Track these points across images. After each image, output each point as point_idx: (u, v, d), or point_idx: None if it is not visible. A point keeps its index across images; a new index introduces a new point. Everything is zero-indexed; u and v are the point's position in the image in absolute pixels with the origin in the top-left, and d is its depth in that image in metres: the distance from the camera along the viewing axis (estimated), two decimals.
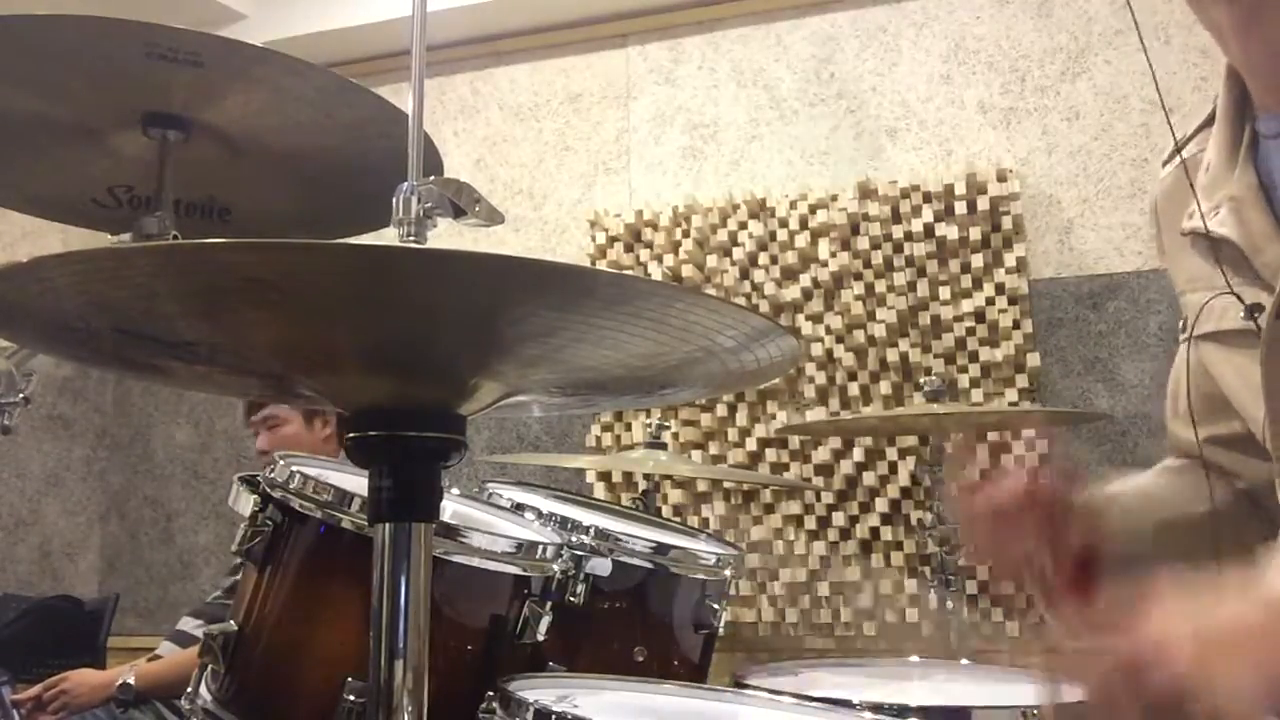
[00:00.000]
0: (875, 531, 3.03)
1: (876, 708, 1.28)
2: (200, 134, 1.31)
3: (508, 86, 3.71)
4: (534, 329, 0.75)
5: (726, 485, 3.17)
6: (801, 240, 3.17)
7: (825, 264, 3.14)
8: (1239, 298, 1.03)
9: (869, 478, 3.05)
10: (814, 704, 1.25)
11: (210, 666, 1.33)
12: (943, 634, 2.47)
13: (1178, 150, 1.16)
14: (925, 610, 2.96)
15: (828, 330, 3.12)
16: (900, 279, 3.08)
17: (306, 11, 3.67)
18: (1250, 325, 1.03)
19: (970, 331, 3.02)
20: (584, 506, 1.85)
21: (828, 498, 3.08)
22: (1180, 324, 1.20)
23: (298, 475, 1.34)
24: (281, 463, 1.38)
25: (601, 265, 3.32)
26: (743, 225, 3.24)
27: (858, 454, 3.05)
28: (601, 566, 1.47)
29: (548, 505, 1.61)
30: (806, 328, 3.14)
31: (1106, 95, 3.09)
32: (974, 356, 3.01)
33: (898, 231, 3.10)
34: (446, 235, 0.93)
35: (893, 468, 3.04)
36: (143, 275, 0.70)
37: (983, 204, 3.03)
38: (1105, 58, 3.11)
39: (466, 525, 1.34)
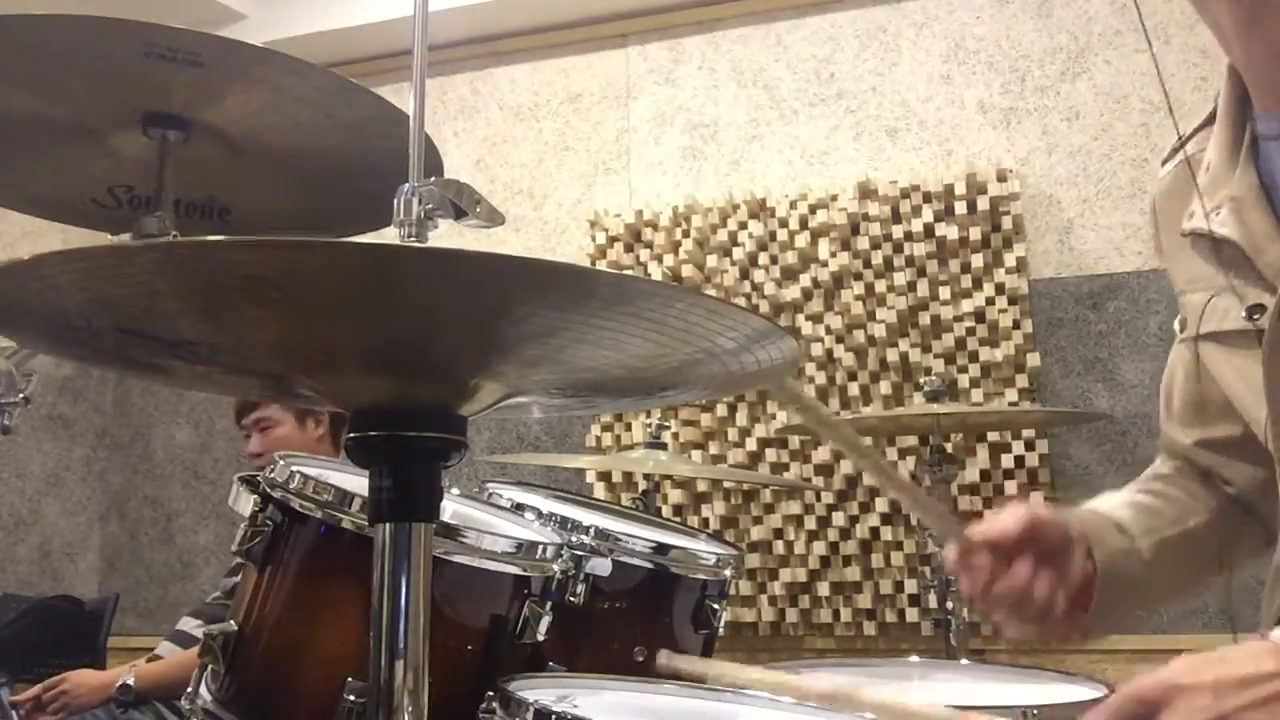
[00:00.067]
0: (875, 531, 3.03)
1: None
2: (200, 134, 1.31)
3: (508, 86, 3.71)
4: (534, 329, 0.75)
5: (726, 485, 3.17)
6: (801, 240, 3.17)
7: (825, 264, 3.14)
8: (1240, 297, 1.03)
9: (869, 478, 3.05)
10: (814, 704, 1.25)
11: (210, 666, 1.33)
12: (942, 634, 2.47)
13: (1178, 149, 1.16)
14: (925, 610, 2.96)
15: (828, 330, 3.12)
16: (900, 279, 3.08)
17: (306, 11, 3.67)
18: (1252, 326, 1.03)
19: (970, 331, 3.02)
20: (584, 506, 1.85)
21: (828, 498, 3.08)
22: (1177, 324, 1.19)
23: (298, 475, 1.34)
24: (281, 463, 1.39)
25: (601, 265, 3.32)
26: (743, 225, 3.25)
27: (854, 456, 3.05)
28: (601, 566, 1.47)
29: (548, 505, 1.61)
30: (806, 328, 3.14)
31: (1106, 95, 3.09)
32: (974, 356, 3.01)
33: (898, 231, 3.10)
34: (446, 236, 0.93)
35: (892, 468, 3.03)
36: (144, 273, 0.70)
37: (983, 204, 3.03)
38: (1105, 58, 3.11)
39: (466, 525, 1.34)
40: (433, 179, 0.94)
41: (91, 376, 3.92)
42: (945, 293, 3.04)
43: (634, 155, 3.53)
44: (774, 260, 3.20)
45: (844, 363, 3.10)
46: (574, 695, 1.17)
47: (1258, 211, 1.03)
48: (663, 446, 2.46)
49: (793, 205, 3.21)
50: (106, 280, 0.71)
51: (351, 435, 0.85)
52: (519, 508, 1.59)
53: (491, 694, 1.11)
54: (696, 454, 3.17)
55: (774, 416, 3.14)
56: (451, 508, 1.48)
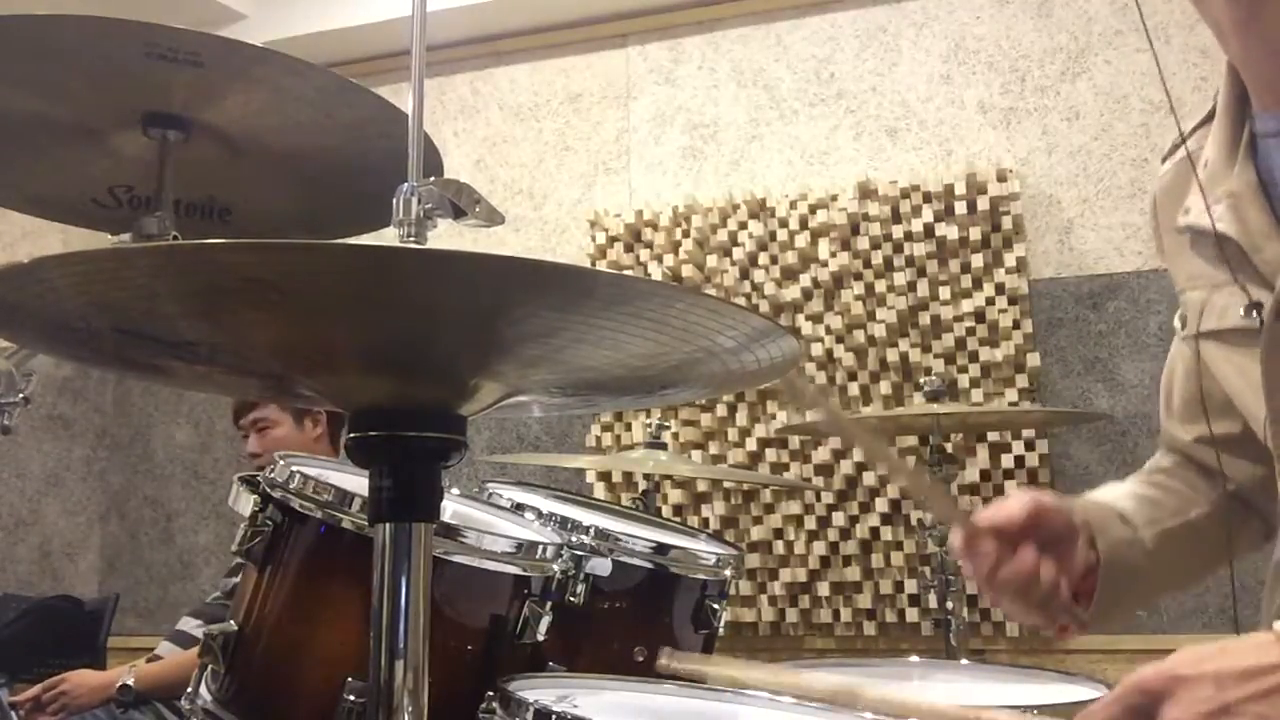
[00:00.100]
0: (875, 531, 3.03)
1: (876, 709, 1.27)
2: (200, 134, 1.31)
3: (508, 86, 3.71)
4: (534, 329, 0.75)
5: (726, 485, 3.17)
6: (801, 240, 3.17)
7: (825, 264, 3.14)
8: (1244, 289, 1.03)
9: (869, 478, 3.05)
10: (814, 704, 1.25)
11: (210, 666, 1.33)
12: (942, 634, 2.47)
13: (1178, 145, 1.16)
14: (925, 610, 2.96)
15: (828, 330, 3.12)
16: (900, 279, 3.08)
17: (306, 11, 3.67)
18: (1251, 323, 1.03)
19: (970, 331, 3.02)
20: (584, 506, 1.85)
21: (828, 498, 3.08)
22: (1178, 321, 1.19)
23: (298, 475, 1.34)
24: (281, 463, 1.38)
25: (601, 265, 3.32)
26: (743, 225, 3.25)
27: (858, 454, 3.05)
28: (601, 566, 1.47)
29: (548, 505, 1.61)
30: (806, 328, 3.14)
31: (1106, 95, 3.09)
32: (974, 356, 3.01)
33: (898, 231, 3.10)
34: (446, 235, 0.93)
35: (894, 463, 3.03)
36: (143, 275, 0.70)
37: (983, 204, 3.03)
38: (1105, 58, 3.11)
39: (466, 525, 1.34)
40: (432, 179, 0.94)
41: (91, 376, 3.92)
42: (945, 293, 3.04)
43: (634, 155, 3.53)
44: (774, 260, 3.20)
45: (844, 363, 3.10)
46: (574, 695, 1.17)
47: (1256, 208, 1.03)
48: (663, 446, 2.46)
49: (793, 205, 3.21)
50: (106, 283, 0.71)
51: (351, 435, 0.85)
52: (519, 508, 1.60)
53: (491, 694, 1.11)
54: (696, 454, 3.17)
55: (774, 416, 3.14)
56: (451, 508, 1.48)
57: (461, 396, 0.85)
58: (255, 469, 2.42)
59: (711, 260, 3.25)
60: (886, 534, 3.03)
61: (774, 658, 2.73)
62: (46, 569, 3.77)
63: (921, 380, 2.58)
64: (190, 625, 2.48)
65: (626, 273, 3.00)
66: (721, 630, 1.65)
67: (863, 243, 3.12)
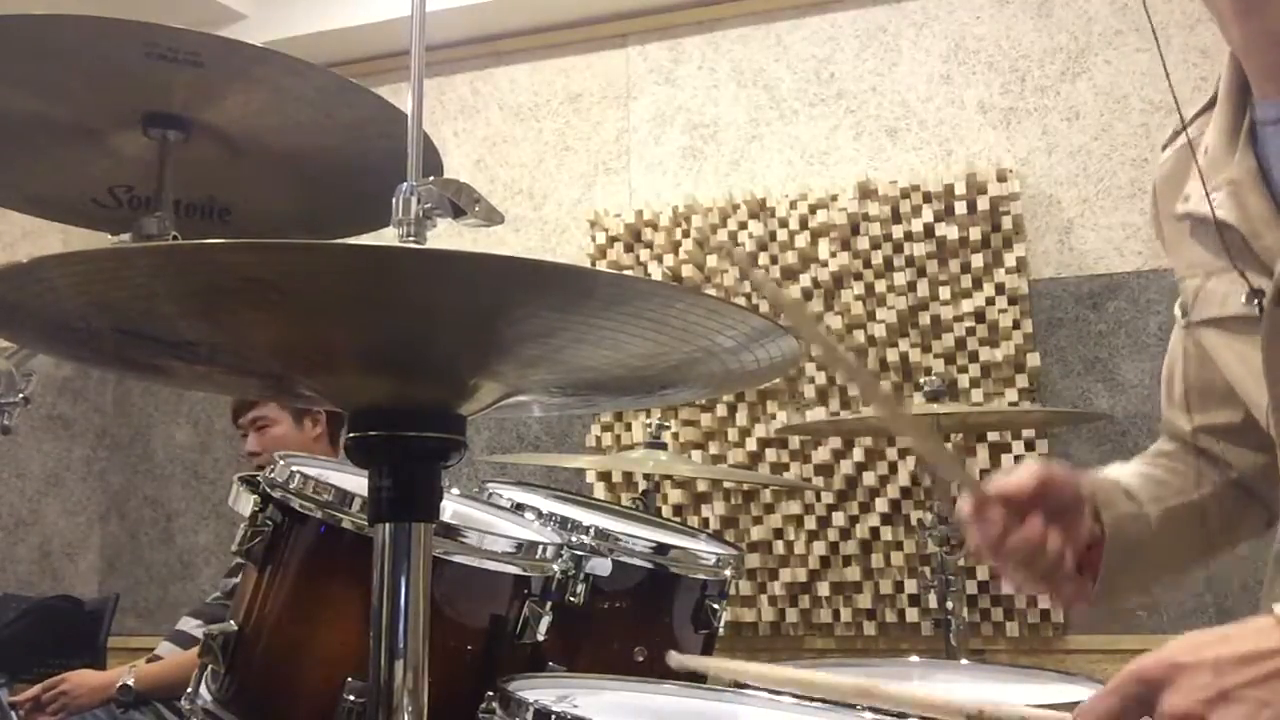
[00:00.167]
0: (875, 531, 3.03)
1: (877, 708, 1.27)
2: (200, 134, 1.31)
3: (508, 86, 3.71)
4: (534, 329, 0.75)
5: (726, 485, 3.17)
6: (801, 240, 3.17)
7: (825, 264, 3.14)
8: (1244, 276, 1.02)
9: (869, 478, 3.05)
10: (814, 704, 1.25)
11: (210, 666, 1.33)
12: (942, 634, 2.47)
13: (1179, 133, 1.16)
14: (925, 610, 2.96)
15: (828, 330, 3.12)
16: (900, 279, 3.08)
17: (306, 11, 3.67)
18: (1252, 310, 1.02)
19: (970, 331, 3.02)
20: (584, 506, 1.85)
21: (828, 498, 3.08)
22: (1178, 309, 1.19)
23: (298, 475, 1.34)
24: (281, 463, 1.38)
25: (601, 265, 3.32)
26: (743, 225, 3.25)
27: (858, 454, 3.05)
28: (601, 566, 1.47)
29: (548, 505, 1.61)
30: None
31: (1106, 95, 3.09)
32: (974, 356, 3.01)
33: (898, 231, 3.10)
34: (446, 235, 0.93)
35: (893, 468, 3.04)
36: (143, 275, 0.70)
37: (983, 204, 3.03)
38: (1105, 58, 3.11)
39: (466, 525, 1.34)
40: (432, 179, 0.94)
41: (91, 377, 3.92)
42: (945, 293, 3.04)
43: (634, 155, 3.53)
44: (774, 260, 3.20)
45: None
46: (574, 695, 1.17)
47: (1256, 195, 1.03)
48: (663, 446, 2.46)
49: (793, 205, 3.21)
50: (106, 283, 0.71)
51: (351, 435, 0.85)
52: (519, 508, 1.60)
53: (491, 694, 1.11)
54: (696, 454, 3.17)
55: (774, 416, 3.14)
56: (451, 508, 1.48)
57: (461, 396, 0.85)
58: (254, 468, 2.42)
59: (711, 260, 3.25)
60: (886, 534, 3.03)
61: (774, 658, 2.73)
62: (46, 569, 3.77)
63: (921, 380, 2.58)
64: (190, 625, 2.48)
65: (626, 273, 3.00)
66: (721, 630, 1.65)
67: (863, 243, 3.12)
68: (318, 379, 0.89)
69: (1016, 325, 2.99)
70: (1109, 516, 1.14)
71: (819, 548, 3.07)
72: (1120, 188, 3.06)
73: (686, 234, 3.29)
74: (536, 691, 1.11)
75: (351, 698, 1.23)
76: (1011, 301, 3.01)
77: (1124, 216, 3.04)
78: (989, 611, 2.94)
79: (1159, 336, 2.94)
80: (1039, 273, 3.07)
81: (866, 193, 3.14)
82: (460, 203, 0.94)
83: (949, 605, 2.43)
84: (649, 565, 1.56)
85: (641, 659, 1.52)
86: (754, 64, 3.43)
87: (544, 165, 3.62)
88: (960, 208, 3.03)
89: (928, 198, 3.08)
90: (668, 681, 1.27)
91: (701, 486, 3.20)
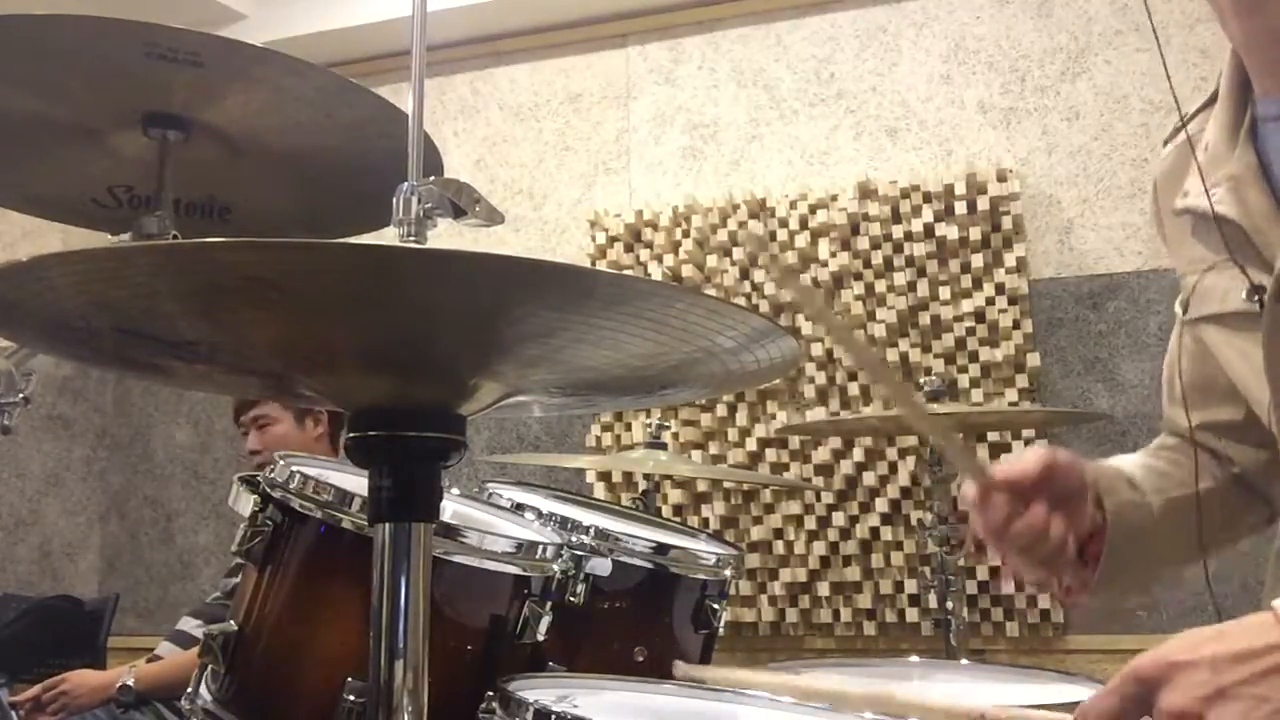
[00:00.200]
0: (875, 531, 3.03)
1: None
2: (200, 134, 1.31)
3: (508, 86, 3.71)
4: (534, 329, 0.75)
5: (726, 485, 3.17)
6: (801, 240, 3.17)
7: (825, 264, 3.14)
8: (1245, 272, 1.02)
9: (869, 478, 3.05)
10: (814, 704, 1.25)
11: (210, 666, 1.33)
12: (942, 634, 2.47)
13: (1180, 128, 1.16)
14: (925, 610, 2.96)
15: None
16: (900, 279, 3.08)
17: (306, 11, 3.67)
18: (1253, 306, 1.02)
19: (970, 331, 3.02)
20: (584, 506, 1.85)
21: (828, 498, 3.08)
22: (1179, 306, 1.19)
23: (298, 475, 1.34)
24: (281, 463, 1.38)
25: (601, 265, 3.32)
26: (743, 225, 3.24)
27: (858, 454, 3.05)
28: (601, 566, 1.47)
29: (548, 505, 1.61)
30: (806, 328, 3.14)
31: (1106, 95, 3.09)
32: (974, 356, 3.01)
33: (898, 231, 3.10)
34: (446, 235, 0.93)
35: (893, 468, 3.04)
36: (143, 275, 0.70)
37: (983, 204, 3.03)
38: (1105, 58, 3.11)
39: (466, 525, 1.34)
40: (432, 178, 0.94)
41: (91, 376, 3.92)
42: (945, 293, 3.04)
43: (634, 155, 3.53)
44: (774, 260, 3.20)
45: (844, 363, 3.10)
46: (574, 695, 1.17)
47: (1256, 191, 1.03)
48: (663, 446, 2.46)
49: (793, 205, 3.21)
50: (105, 282, 0.71)
51: (351, 435, 0.85)
52: (519, 508, 1.59)
53: (491, 694, 1.11)
54: (696, 454, 3.17)
55: (774, 416, 3.14)
56: (451, 508, 1.47)
57: (461, 396, 0.85)
58: (254, 466, 2.42)
59: (711, 260, 3.25)
60: (886, 534, 3.03)
61: (774, 658, 2.73)
62: (46, 569, 3.77)
63: (921, 380, 2.58)
64: (190, 625, 2.48)
65: (626, 273, 3.00)
66: (721, 630, 1.65)
67: (863, 243, 3.12)
68: (318, 379, 0.89)
69: (1016, 325, 2.99)
70: (1111, 504, 1.14)
71: (819, 548, 3.07)
72: (1120, 188, 3.06)
73: (686, 234, 3.29)
74: (536, 691, 1.11)
75: (351, 698, 1.22)
76: (1011, 301, 3.01)
77: (1124, 216, 3.04)
78: (989, 611, 2.94)
79: (1159, 336, 2.94)
80: (1039, 273, 3.07)
81: (866, 193, 3.14)
82: (460, 203, 0.94)
83: (949, 605, 2.43)
84: (649, 565, 1.56)
85: (641, 659, 1.52)
86: (754, 64, 3.43)
87: (544, 165, 3.62)
88: (960, 208, 3.03)
89: (928, 198, 3.08)
90: (668, 681, 1.27)
91: (701, 486, 3.19)
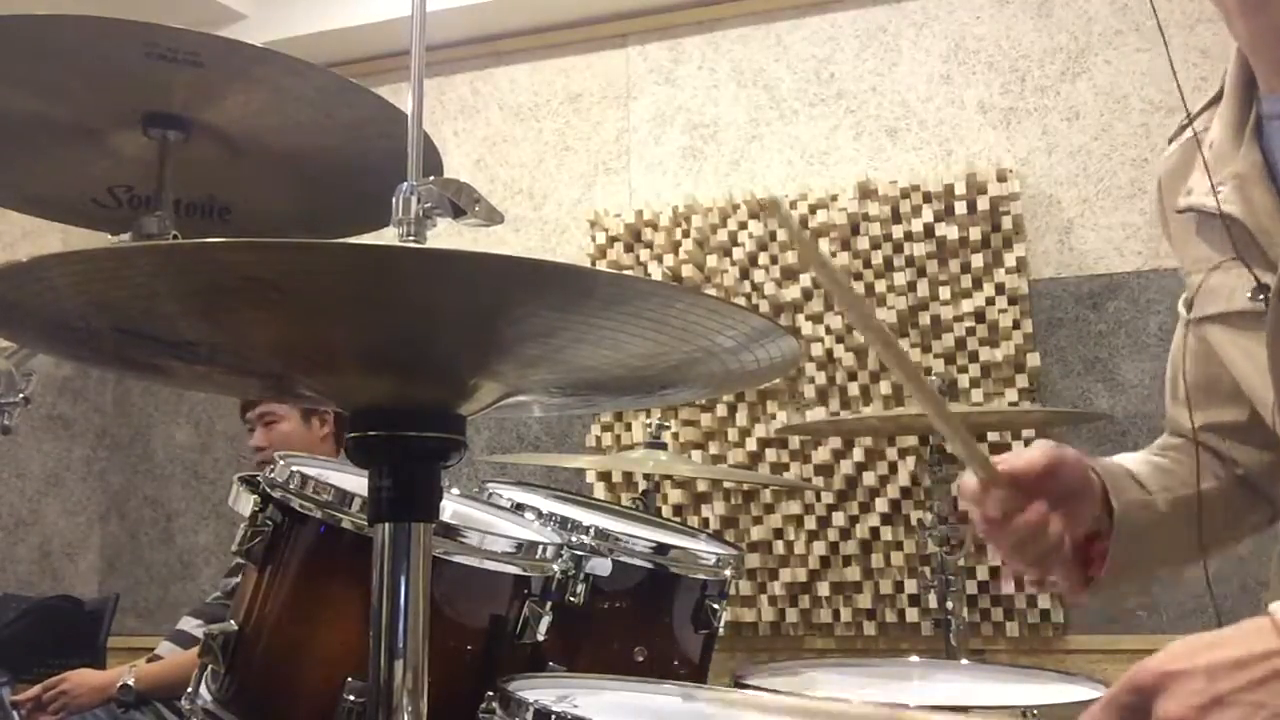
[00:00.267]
0: (875, 531, 3.03)
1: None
2: (200, 134, 1.31)
3: (508, 86, 3.71)
4: (534, 329, 0.75)
5: (726, 485, 3.17)
6: None
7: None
8: (1250, 271, 1.02)
9: (869, 478, 3.05)
10: (813, 704, 1.25)
11: (210, 666, 1.33)
12: (942, 634, 2.47)
13: (1185, 126, 1.15)
14: (925, 610, 2.96)
15: (828, 330, 3.12)
16: (900, 279, 3.08)
17: (306, 11, 3.67)
18: (1258, 305, 1.02)
19: (970, 331, 3.02)
20: (584, 506, 1.85)
21: (828, 498, 3.08)
22: (1183, 305, 1.19)
23: (298, 475, 1.34)
24: (281, 463, 1.38)
25: (601, 265, 3.32)
26: (743, 225, 3.25)
27: (858, 454, 3.05)
28: (601, 566, 1.47)
29: (548, 505, 1.61)
30: (806, 328, 3.14)
31: (1106, 95, 3.09)
32: (974, 356, 3.01)
33: (898, 231, 3.10)
34: (446, 235, 0.93)
35: (893, 468, 3.04)
36: (143, 275, 0.70)
37: (983, 204, 3.03)
38: (1105, 58, 3.11)
39: (466, 525, 1.34)
40: (432, 178, 0.94)
41: (91, 376, 3.92)
42: (945, 293, 3.04)
43: (634, 155, 3.53)
44: (774, 260, 3.20)
45: (844, 363, 3.10)
46: (574, 695, 1.17)
47: (1260, 189, 1.02)
48: (663, 446, 2.46)
49: (793, 205, 3.21)
50: (105, 282, 0.71)
51: (351, 435, 0.85)
52: (519, 508, 1.59)
53: (491, 694, 1.11)
54: (696, 454, 3.17)
55: (774, 416, 3.14)
56: (451, 508, 1.47)
57: (461, 396, 0.85)
58: (258, 463, 2.42)
59: (711, 260, 3.25)
60: (886, 534, 3.03)
61: (774, 658, 2.73)
62: (46, 569, 3.77)
63: None
64: (190, 625, 2.48)
65: (626, 273, 3.00)
66: (721, 630, 1.65)
67: (863, 243, 3.12)
68: (318, 379, 0.89)
69: (1016, 325, 2.99)
70: (1120, 503, 1.13)
71: (819, 548, 3.07)
72: (1120, 188, 3.06)
73: (686, 234, 3.29)
74: (536, 691, 1.11)
75: (351, 698, 1.22)
76: (1011, 301, 3.01)
77: (1124, 216, 3.04)
78: (989, 611, 2.94)
79: (1159, 336, 2.94)
80: (1039, 273, 3.07)
81: (866, 193, 3.14)
82: (460, 203, 0.94)
83: (949, 605, 2.43)
84: (649, 565, 1.56)
85: (641, 659, 1.52)
86: (754, 64, 3.43)
87: (544, 165, 3.62)
88: (960, 208, 3.03)
89: (928, 198, 3.08)
90: (668, 681, 1.27)
91: (701, 486, 3.19)
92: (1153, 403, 2.91)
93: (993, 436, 2.97)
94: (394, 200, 0.93)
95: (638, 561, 1.54)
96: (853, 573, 3.04)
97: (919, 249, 3.07)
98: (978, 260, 3.02)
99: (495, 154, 3.68)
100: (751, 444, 3.15)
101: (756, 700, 1.09)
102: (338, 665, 1.25)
